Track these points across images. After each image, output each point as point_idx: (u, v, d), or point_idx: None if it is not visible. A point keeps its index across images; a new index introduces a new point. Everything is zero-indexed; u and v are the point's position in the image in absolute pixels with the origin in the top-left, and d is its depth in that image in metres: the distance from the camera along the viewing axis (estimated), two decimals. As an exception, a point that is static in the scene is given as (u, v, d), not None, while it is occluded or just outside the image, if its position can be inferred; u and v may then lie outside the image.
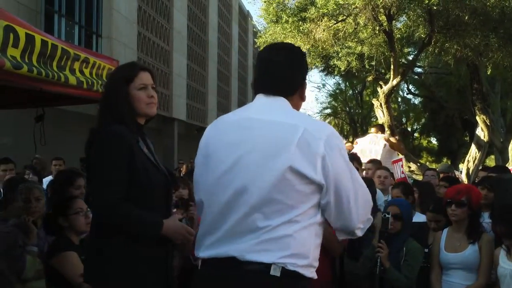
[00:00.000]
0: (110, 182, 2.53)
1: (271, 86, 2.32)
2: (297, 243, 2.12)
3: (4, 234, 3.74)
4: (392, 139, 9.36)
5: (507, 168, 7.67)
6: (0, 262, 3.57)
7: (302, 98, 2.40)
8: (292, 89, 2.34)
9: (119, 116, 2.68)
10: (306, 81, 2.45)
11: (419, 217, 5.02)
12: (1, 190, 5.62)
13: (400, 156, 9.51)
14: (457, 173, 12.15)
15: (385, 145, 8.79)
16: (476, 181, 7.23)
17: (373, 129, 9.62)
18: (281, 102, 2.29)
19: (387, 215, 4.15)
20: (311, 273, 2.21)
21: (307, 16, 10.93)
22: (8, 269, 3.62)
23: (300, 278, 2.14)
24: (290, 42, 11.71)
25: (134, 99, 2.73)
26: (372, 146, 8.66)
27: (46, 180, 7.22)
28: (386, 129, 11.97)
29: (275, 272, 2.08)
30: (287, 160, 2.10)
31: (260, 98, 2.34)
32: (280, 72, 2.32)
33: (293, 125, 2.17)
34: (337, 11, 10.70)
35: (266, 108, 2.28)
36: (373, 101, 14.12)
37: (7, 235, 3.73)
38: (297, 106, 2.37)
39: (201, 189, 2.35)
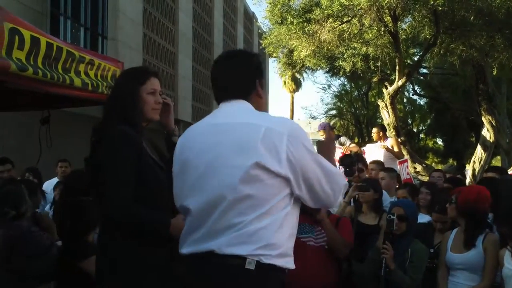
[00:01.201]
0: (123, 182, 2.55)
1: (228, 93, 2.49)
2: (270, 234, 2.25)
3: (40, 236, 3.72)
4: (395, 146, 9.31)
5: (504, 169, 7.62)
6: (26, 262, 3.57)
7: (260, 97, 2.53)
8: (247, 92, 2.49)
9: (127, 117, 2.71)
10: (263, 80, 2.57)
11: (423, 218, 5.02)
12: None
13: (406, 157, 9.51)
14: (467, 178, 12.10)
15: (384, 153, 8.81)
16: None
17: (374, 129, 9.62)
18: (242, 105, 2.45)
19: (392, 217, 4.15)
20: (287, 263, 2.34)
21: (312, 17, 10.89)
22: (28, 270, 3.63)
23: (275, 270, 2.27)
24: (295, 43, 11.72)
25: (144, 102, 2.79)
26: (374, 156, 8.68)
27: (51, 183, 7.24)
28: (392, 130, 11.94)
29: (249, 265, 2.21)
30: (253, 157, 2.23)
31: (223, 104, 2.50)
32: (232, 80, 2.49)
33: (256, 124, 2.30)
34: (342, 12, 10.67)
35: (230, 112, 2.44)
36: (378, 102, 14.07)
37: (42, 237, 3.73)
38: (258, 105, 2.50)
39: (180, 196, 2.47)
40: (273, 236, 2.25)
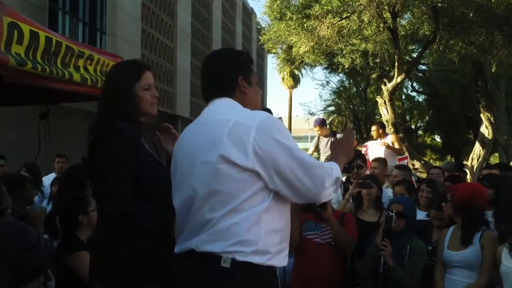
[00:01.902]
0: (124, 179, 2.53)
1: (212, 92, 2.53)
2: (243, 230, 2.22)
3: (29, 229, 3.71)
4: (396, 143, 9.31)
5: (509, 165, 7.64)
6: (20, 258, 3.56)
7: (244, 93, 2.52)
8: (230, 90, 2.50)
9: (124, 114, 2.68)
10: (250, 76, 2.57)
11: (419, 215, 5.02)
12: None
13: (406, 154, 9.51)
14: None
15: (385, 150, 8.81)
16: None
17: (374, 127, 9.62)
18: (224, 102, 2.47)
19: (390, 213, 4.15)
20: (268, 261, 2.27)
21: (311, 13, 10.89)
22: (23, 266, 3.62)
23: (251, 268, 2.22)
24: (294, 39, 11.72)
25: (140, 99, 2.75)
26: (376, 154, 8.67)
27: (49, 178, 7.22)
28: (390, 126, 11.95)
29: (225, 263, 2.20)
30: (218, 151, 2.24)
31: (210, 103, 2.54)
32: (214, 79, 2.54)
33: (225, 119, 2.31)
34: (341, 8, 10.68)
35: (212, 110, 2.48)
36: (377, 99, 14.07)
37: (31, 230, 3.71)
38: (243, 102, 2.49)
39: (172, 195, 2.52)
40: (247, 233, 2.22)
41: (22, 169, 6.43)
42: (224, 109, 2.42)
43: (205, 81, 2.57)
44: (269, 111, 3.03)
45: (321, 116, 27.57)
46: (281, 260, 2.35)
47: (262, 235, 2.25)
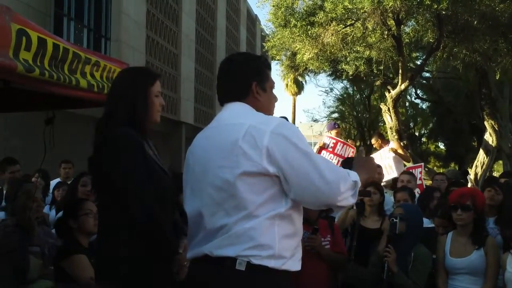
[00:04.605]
0: (144, 187, 2.53)
1: (226, 96, 2.55)
2: (259, 234, 2.23)
3: (8, 234, 3.76)
4: (399, 150, 9.31)
5: None
6: (3, 262, 3.59)
7: (257, 99, 2.52)
8: (242, 94, 2.51)
9: (135, 119, 2.68)
10: (265, 82, 2.57)
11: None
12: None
13: (421, 162, 9.48)
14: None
15: (393, 156, 8.80)
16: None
17: (373, 140, 9.64)
18: (238, 106, 2.48)
19: (394, 220, 4.14)
20: (285, 265, 2.30)
21: (315, 20, 10.93)
22: (11, 270, 3.64)
23: (266, 272, 2.24)
24: (298, 46, 11.74)
25: (151, 105, 2.76)
26: (385, 161, 8.62)
27: (53, 183, 7.25)
28: (394, 133, 11.97)
29: (240, 266, 2.22)
30: (235, 158, 2.25)
31: (223, 107, 2.55)
32: (229, 83, 2.55)
33: (240, 123, 2.32)
34: (346, 16, 10.70)
35: (225, 114, 2.49)
36: (381, 106, 14.09)
37: (11, 235, 3.75)
38: (256, 107, 2.50)
39: (184, 202, 2.55)
40: (263, 237, 2.23)
41: (35, 175, 6.45)
42: (238, 114, 2.43)
43: (220, 84, 2.59)
44: (285, 118, 3.03)
45: (324, 123, 27.55)
46: (295, 264, 2.37)
47: (277, 240, 2.26)
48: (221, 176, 2.29)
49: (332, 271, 4.28)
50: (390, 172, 8.42)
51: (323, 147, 8.64)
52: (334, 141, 8.67)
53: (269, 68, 2.64)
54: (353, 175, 2.40)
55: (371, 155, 9.47)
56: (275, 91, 2.68)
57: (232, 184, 2.25)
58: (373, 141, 9.59)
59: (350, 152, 8.54)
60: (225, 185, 2.27)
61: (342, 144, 8.66)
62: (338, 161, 8.14)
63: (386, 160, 8.65)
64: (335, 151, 8.53)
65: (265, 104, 2.55)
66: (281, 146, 2.24)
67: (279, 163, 2.23)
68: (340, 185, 2.30)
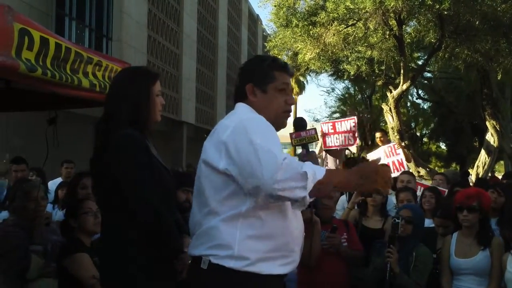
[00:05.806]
0: (152, 189, 2.53)
1: (234, 98, 2.67)
2: (219, 233, 2.29)
3: (7, 233, 3.77)
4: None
5: None
6: (3, 261, 3.59)
7: (253, 99, 2.56)
8: (241, 95, 2.59)
9: (138, 118, 2.68)
10: (269, 83, 2.57)
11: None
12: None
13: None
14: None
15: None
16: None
17: (378, 134, 9.63)
18: (237, 106, 2.59)
19: (397, 220, 4.14)
20: (246, 267, 2.27)
21: (317, 20, 10.92)
22: (11, 269, 3.64)
23: (224, 272, 2.26)
24: (299, 46, 11.74)
25: (153, 104, 2.75)
26: (392, 158, 8.58)
27: (55, 183, 7.27)
28: (395, 133, 11.95)
29: (203, 265, 2.30)
30: (203, 154, 2.41)
31: None
32: (236, 85, 2.66)
33: (222, 123, 2.44)
34: (347, 16, 10.69)
35: (227, 115, 2.59)
36: (382, 106, 14.08)
37: (10, 235, 3.76)
38: (254, 107, 2.54)
39: None
40: (222, 236, 2.28)
41: (30, 173, 6.46)
42: (230, 114, 2.55)
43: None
44: (301, 120, 2.98)
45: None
46: (271, 267, 2.32)
47: (238, 240, 2.27)
48: (198, 171, 2.45)
49: (348, 268, 4.34)
50: (400, 168, 8.35)
51: (325, 134, 8.54)
52: (331, 124, 8.62)
53: (279, 69, 2.58)
54: (308, 168, 2.15)
55: (374, 151, 9.50)
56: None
57: (198, 180, 2.41)
58: (377, 135, 9.59)
59: (352, 122, 8.40)
60: (197, 181, 2.43)
61: (340, 122, 8.57)
62: (345, 137, 8.14)
63: (394, 156, 8.59)
64: (337, 130, 8.45)
65: (263, 105, 2.54)
66: (236, 139, 2.26)
67: (232, 154, 2.25)
68: (277, 172, 2.11)
